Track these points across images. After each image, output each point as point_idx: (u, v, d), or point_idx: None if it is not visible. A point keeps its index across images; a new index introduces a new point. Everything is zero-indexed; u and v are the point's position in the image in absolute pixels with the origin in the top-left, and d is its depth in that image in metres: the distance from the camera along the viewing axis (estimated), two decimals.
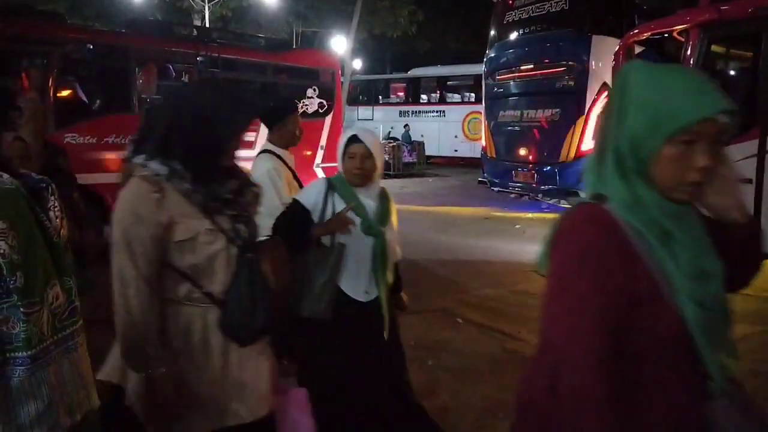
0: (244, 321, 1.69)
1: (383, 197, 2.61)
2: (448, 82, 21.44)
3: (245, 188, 1.79)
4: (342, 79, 11.36)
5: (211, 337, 1.70)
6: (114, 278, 1.63)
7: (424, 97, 21.92)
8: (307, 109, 9.26)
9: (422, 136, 19.83)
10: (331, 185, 2.53)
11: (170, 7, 19.80)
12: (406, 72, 23.40)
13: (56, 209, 1.46)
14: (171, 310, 1.69)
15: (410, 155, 18.35)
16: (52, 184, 1.48)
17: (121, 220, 1.62)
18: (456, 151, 20.13)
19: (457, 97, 21.24)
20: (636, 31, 6.81)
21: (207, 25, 17.40)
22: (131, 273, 1.60)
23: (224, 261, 1.69)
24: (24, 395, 1.29)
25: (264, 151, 3.31)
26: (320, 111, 9.43)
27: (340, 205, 2.48)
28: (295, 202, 2.57)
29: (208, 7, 18.41)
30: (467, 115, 19.71)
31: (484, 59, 10.84)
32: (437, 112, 21.06)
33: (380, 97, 23.26)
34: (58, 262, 1.41)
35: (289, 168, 3.32)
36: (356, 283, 2.49)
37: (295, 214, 2.51)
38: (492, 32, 10.71)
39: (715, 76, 6.15)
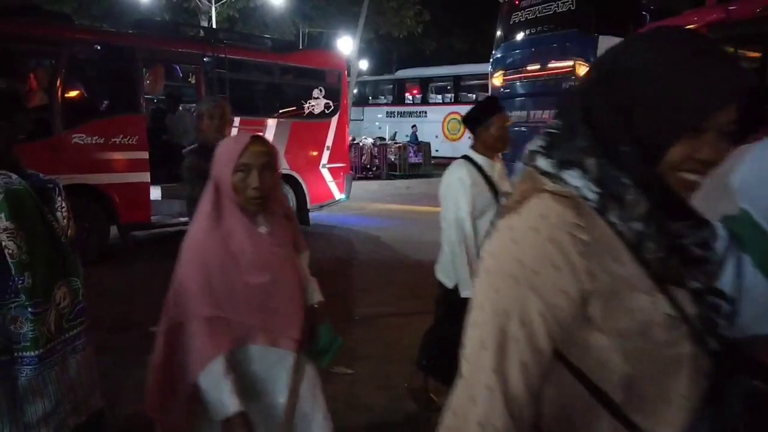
0: None
1: None
2: (430, 84, 21.62)
3: (711, 236, 0.92)
4: (348, 80, 11.34)
5: None
6: (457, 392, 0.85)
7: (408, 97, 22.20)
8: (313, 109, 9.31)
9: (407, 136, 19.80)
10: None
11: (177, 8, 19.88)
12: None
13: (63, 210, 1.45)
14: None
15: (416, 156, 18.33)
16: (59, 185, 1.47)
17: (499, 272, 0.85)
18: (437, 150, 19.50)
19: (438, 98, 21.45)
20: (642, 31, 6.77)
21: (214, 26, 17.44)
22: (492, 395, 0.81)
23: (688, 380, 0.87)
24: (31, 394, 1.30)
25: (462, 156, 2.92)
26: (326, 111, 9.45)
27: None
28: None
29: (215, 7, 18.46)
30: (447, 116, 19.86)
31: (491, 59, 10.81)
32: (420, 112, 21.25)
33: (369, 98, 23.78)
34: (65, 262, 1.41)
35: (486, 178, 2.82)
36: None
37: None
38: (498, 32, 10.68)
39: None
